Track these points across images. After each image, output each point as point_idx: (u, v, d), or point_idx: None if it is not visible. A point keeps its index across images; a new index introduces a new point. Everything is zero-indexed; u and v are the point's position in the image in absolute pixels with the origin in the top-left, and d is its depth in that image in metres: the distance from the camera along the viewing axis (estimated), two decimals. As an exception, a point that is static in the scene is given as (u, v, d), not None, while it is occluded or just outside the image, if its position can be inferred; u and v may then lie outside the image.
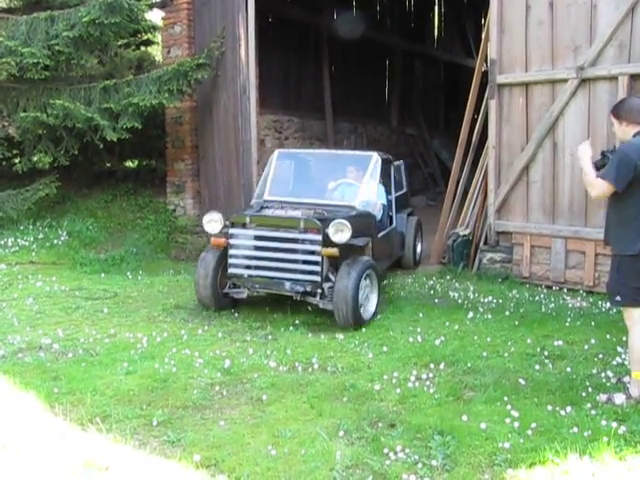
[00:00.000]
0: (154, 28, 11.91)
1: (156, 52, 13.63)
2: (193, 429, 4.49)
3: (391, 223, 8.68)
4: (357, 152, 8.61)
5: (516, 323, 6.83)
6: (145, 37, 12.59)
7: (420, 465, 4.02)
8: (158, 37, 12.86)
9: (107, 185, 12.34)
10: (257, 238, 6.93)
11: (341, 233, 6.53)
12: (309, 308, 7.17)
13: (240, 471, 3.89)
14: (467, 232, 9.22)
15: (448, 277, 8.86)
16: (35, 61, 9.23)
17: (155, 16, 12.53)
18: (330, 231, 6.55)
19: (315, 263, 6.70)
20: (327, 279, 6.80)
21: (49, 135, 10.02)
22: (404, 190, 9.74)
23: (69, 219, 10.91)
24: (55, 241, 10.13)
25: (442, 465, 4.00)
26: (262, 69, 10.66)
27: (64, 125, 9.64)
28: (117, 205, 11.79)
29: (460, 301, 7.76)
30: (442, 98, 20.15)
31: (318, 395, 5.02)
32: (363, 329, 6.63)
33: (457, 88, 18.73)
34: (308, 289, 6.73)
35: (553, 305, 7.57)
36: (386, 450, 4.16)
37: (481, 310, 7.32)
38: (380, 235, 7.94)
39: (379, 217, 7.96)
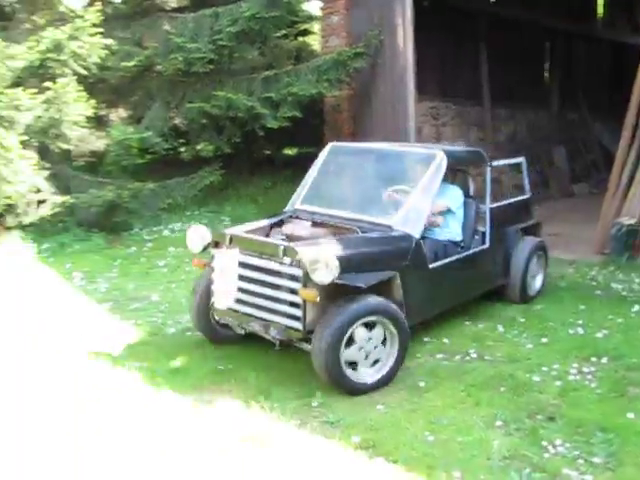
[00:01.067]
0: (311, 18, 12.19)
1: (313, 42, 13.89)
2: (352, 412, 4.62)
3: (483, 242, 6.64)
4: (420, 149, 6.64)
5: (688, 318, 6.48)
6: (303, 27, 12.88)
7: (581, 461, 3.95)
8: (315, 27, 13.11)
9: (267, 172, 12.75)
10: (240, 264, 5.33)
11: (325, 270, 4.79)
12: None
13: (397, 455, 3.99)
14: (632, 221, 8.79)
15: (611, 268, 8.48)
16: (201, 56, 9.71)
17: (313, 6, 12.80)
18: (307, 266, 4.87)
19: (296, 305, 5.02)
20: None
21: (213, 125, 10.47)
22: (523, 196, 7.59)
23: (231, 205, 11.38)
24: (218, 226, 10.60)
25: (605, 463, 3.92)
26: (419, 55, 10.59)
27: (227, 115, 10.07)
28: (277, 191, 12.14)
29: (624, 293, 7.43)
30: (606, 79, 19.21)
31: (475, 384, 5.02)
32: (521, 319, 6.51)
33: (622, 68, 17.79)
34: (291, 337, 5.13)
35: None
36: (545, 443, 4.13)
37: (648, 303, 7.00)
38: (440, 264, 5.94)
39: (444, 237, 6.36)
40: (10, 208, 8.94)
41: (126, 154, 9.76)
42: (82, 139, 10.34)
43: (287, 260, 4.98)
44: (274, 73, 10.31)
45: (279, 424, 4.43)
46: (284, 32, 12.04)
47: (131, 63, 9.90)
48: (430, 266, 5.78)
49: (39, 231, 9.18)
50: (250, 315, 5.33)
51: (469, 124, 13.37)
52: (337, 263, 4.78)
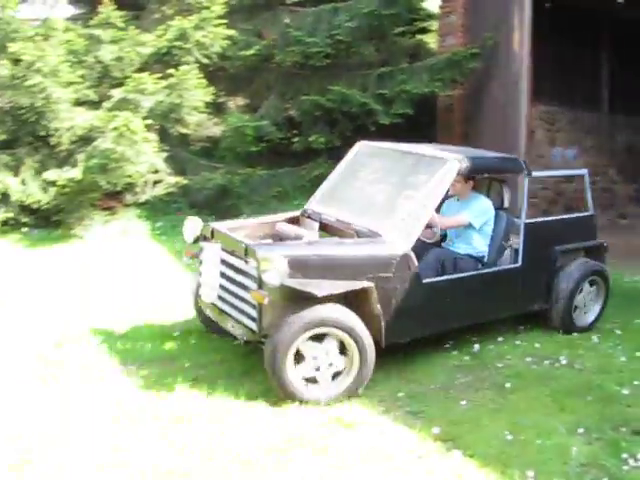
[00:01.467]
0: (430, 16, 12.22)
1: (432, 40, 13.88)
2: (435, 405, 4.76)
3: (515, 261, 6.04)
4: (435, 152, 5.93)
5: None
6: (421, 25, 12.89)
7: (663, 480, 3.92)
8: (435, 25, 13.09)
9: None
10: (222, 261, 5.24)
11: (273, 272, 4.61)
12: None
13: (474, 449, 4.09)
14: None
15: None
16: (318, 50, 9.95)
17: (433, 4, 12.80)
18: (259, 267, 4.72)
19: (253, 305, 4.86)
20: None
21: (326, 118, 10.69)
22: (582, 213, 6.86)
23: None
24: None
25: (689, 486, 3.87)
26: (535, 57, 10.47)
27: (340, 109, 10.27)
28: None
29: None
30: None
31: (562, 390, 5.02)
32: (618, 331, 6.38)
33: None
34: (252, 339, 4.99)
35: None
36: (625, 455, 4.11)
37: None
38: (440, 279, 5.49)
39: (464, 251, 5.95)
40: (129, 186, 9.50)
41: (241, 141, 10.10)
42: (200, 124, 10.79)
43: (251, 260, 4.81)
44: (389, 70, 10.44)
45: (365, 410, 4.62)
46: (402, 29, 12.12)
47: (249, 52, 10.24)
48: (424, 281, 5.30)
49: (153, 210, 9.69)
50: (223, 311, 5.28)
51: (584, 131, 13.05)
52: (286, 266, 4.63)
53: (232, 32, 10.17)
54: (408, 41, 12.62)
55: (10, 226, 9.05)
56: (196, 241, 5.70)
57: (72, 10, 11.97)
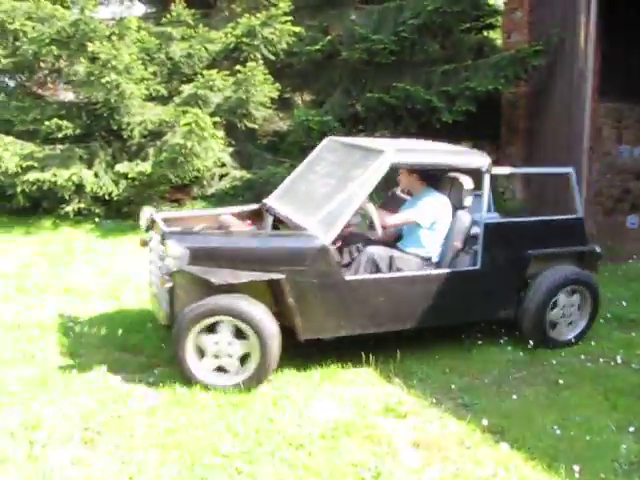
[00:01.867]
0: (497, 12, 12.15)
1: (498, 36, 13.80)
2: (487, 398, 4.86)
3: (473, 263, 5.58)
4: (375, 145, 5.61)
5: None
6: (487, 21, 12.83)
7: None
8: (501, 21, 13.01)
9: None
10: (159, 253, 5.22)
11: (171, 259, 4.77)
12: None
13: (523, 442, 4.19)
14: None
15: None
16: (383, 47, 10.03)
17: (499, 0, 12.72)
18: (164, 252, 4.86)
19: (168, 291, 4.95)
20: None
21: (390, 114, 10.77)
22: (566, 216, 6.19)
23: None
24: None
25: None
26: (603, 54, 10.32)
27: (405, 106, 10.34)
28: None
29: None
30: None
31: (615, 389, 5.06)
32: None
33: None
34: (165, 322, 5.12)
35: None
36: (678, 457, 4.13)
37: None
38: (369, 277, 5.22)
39: (411, 250, 5.63)
40: (197, 180, 9.81)
41: (306, 135, 10.24)
42: (267, 119, 11.01)
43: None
44: (453, 67, 10.45)
45: (417, 400, 4.76)
46: (467, 25, 12.10)
47: (315, 47, 10.39)
48: (348, 277, 5.12)
49: (220, 202, 9.93)
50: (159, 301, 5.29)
51: (655, 128, 12.77)
52: (182, 253, 4.73)
53: (298, 29, 10.33)
54: (473, 37, 12.58)
55: (83, 216, 9.46)
56: (148, 230, 5.74)
57: (144, 9, 12.35)
